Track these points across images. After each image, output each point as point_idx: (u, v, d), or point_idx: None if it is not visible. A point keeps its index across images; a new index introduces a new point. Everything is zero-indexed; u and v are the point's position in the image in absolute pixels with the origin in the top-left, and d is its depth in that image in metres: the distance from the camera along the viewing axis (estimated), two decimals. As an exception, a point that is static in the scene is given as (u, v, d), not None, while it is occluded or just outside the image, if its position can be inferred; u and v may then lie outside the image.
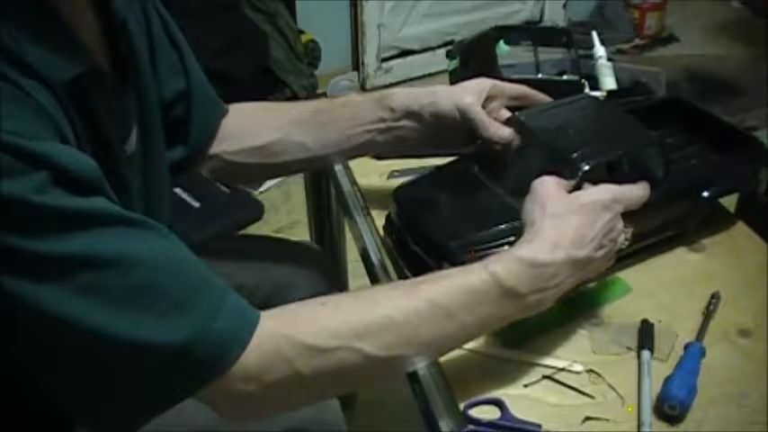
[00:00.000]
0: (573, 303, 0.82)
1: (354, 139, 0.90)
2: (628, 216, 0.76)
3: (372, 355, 0.63)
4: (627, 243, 0.76)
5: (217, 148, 0.92)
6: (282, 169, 0.96)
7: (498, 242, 0.78)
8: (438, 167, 0.92)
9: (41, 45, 0.57)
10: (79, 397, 0.61)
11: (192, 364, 0.59)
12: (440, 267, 0.79)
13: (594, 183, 0.77)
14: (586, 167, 0.78)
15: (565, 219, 0.70)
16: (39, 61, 0.57)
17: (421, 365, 0.77)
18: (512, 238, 0.77)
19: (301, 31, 2.62)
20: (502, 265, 0.67)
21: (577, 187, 0.77)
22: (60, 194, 0.54)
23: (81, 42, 0.63)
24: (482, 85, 0.89)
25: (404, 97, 0.88)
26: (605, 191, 0.74)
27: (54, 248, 0.54)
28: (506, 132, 0.86)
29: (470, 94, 0.87)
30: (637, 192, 0.76)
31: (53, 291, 0.54)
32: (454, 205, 0.86)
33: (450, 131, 0.88)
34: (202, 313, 0.59)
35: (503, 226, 0.79)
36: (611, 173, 0.81)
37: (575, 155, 0.79)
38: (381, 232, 0.93)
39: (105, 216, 0.57)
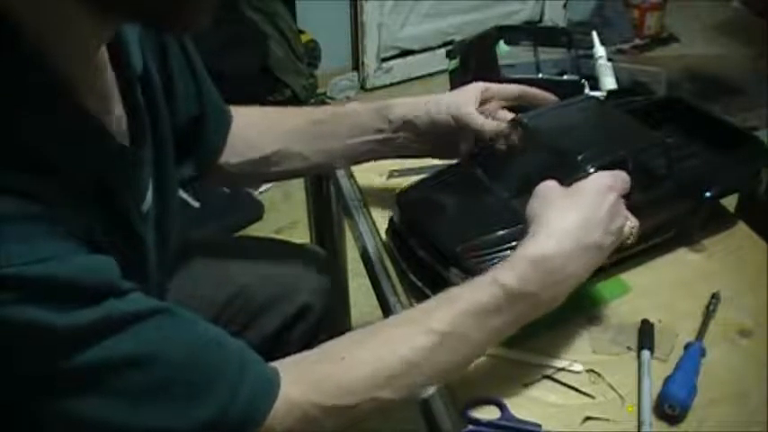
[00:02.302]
0: (573, 303, 0.82)
1: (353, 149, 0.91)
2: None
3: (393, 398, 0.64)
4: (633, 237, 0.74)
5: (223, 158, 0.93)
6: (281, 176, 0.98)
7: (505, 245, 0.77)
8: (441, 171, 0.92)
9: (64, 140, 0.57)
10: None
11: None
12: (446, 272, 0.79)
13: None
14: (591, 170, 0.78)
15: (568, 206, 0.69)
16: (61, 158, 0.56)
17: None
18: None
19: (301, 31, 2.62)
20: (511, 273, 0.66)
21: None
22: (73, 311, 0.54)
23: (104, 125, 0.62)
24: (475, 89, 0.89)
25: (401, 108, 0.89)
26: (603, 174, 0.73)
27: (72, 362, 0.54)
28: (500, 126, 0.86)
29: (463, 100, 0.88)
30: (624, 174, 0.75)
31: (75, 399, 0.55)
32: (459, 209, 0.85)
33: (448, 139, 0.89)
34: (223, 394, 0.59)
35: (509, 229, 0.79)
36: None
37: (579, 157, 0.79)
38: (382, 233, 0.93)
39: (119, 319, 0.56)
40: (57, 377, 0.54)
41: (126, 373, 0.56)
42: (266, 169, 0.93)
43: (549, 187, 0.72)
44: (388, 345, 0.65)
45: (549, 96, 0.93)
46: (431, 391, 0.69)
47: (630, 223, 0.73)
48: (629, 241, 0.74)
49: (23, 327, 0.52)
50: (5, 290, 0.51)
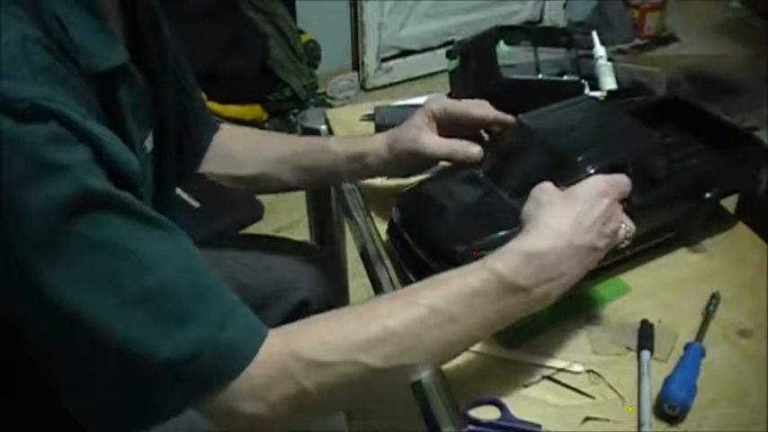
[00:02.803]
0: (573, 303, 0.82)
1: (329, 180, 1.02)
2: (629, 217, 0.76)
3: (374, 366, 0.62)
4: (628, 241, 0.74)
5: (204, 167, 0.96)
6: (258, 192, 1.07)
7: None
8: (441, 171, 0.92)
9: (84, 34, 0.58)
10: (76, 396, 0.61)
11: (193, 378, 0.58)
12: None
13: None
14: (592, 170, 0.78)
15: (562, 208, 0.70)
16: (80, 50, 0.57)
17: (426, 373, 0.77)
18: None
19: (301, 31, 2.62)
20: (502, 262, 0.66)
21: None
22: (100, 176, 0.55)
23: (116, 35, 0.64)
24: (421, 116, 0.89)
25: (377, 159, 0.91)
26: (599, 179, 0.73)
27: (81, 228, 0.54)
28: (476, 151, 0.88)
29: (410, 135, 0.88)
30: (624, 179, 0.75)
31: (69, 274, 0.54)
32: (460, 210, 0.85)
33: (417, 164, 0.92)
34: (209, 325, 0.59)
35: (509, 230, 0.78)
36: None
37: (580, 158, 0.79)
38: (382, 233, 0.93)
39: (136, 210, 0.57)
40: (54, 233, 0.53)
41: (123, 266, 0.56)
42: (247, 186, 0.99)
43: (544, 190, 0.72)
44: (374, 313, 0.65)
45: (508, 118, 0.91)
46: (421, 375, 0.69)
47: (626, 227, 0.73)
48: (623, 245, 0.74)
49: (47, 167, 0.52)
50: (45, 122, 0.51)
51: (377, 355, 0.62)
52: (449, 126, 0.90)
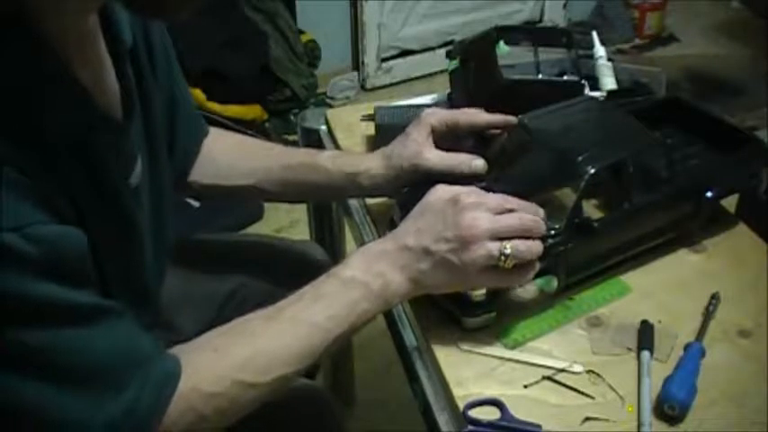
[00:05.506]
0: (573, 304, 0.82)
1: (321, 196, 1.02)
2: (623, 220, 0.76)
3: (254, 382, 0.68)
4: (508, 262, 0.70)
5: (193, 175, 0.96)
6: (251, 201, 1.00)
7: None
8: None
9: (48, 104, 0.58)
10: None
11: None
12: None
13: (599, 185, 0.77)
14: (592, 171, 0.78)
15: (415, 214, 0.75)
16: (44, 123, 0.57)
17: (421, 368, 0.77)
18: None
19: (301, 31, 2.62)
20: (341, 264, 0.74)
21: (583, 190, 0.77)
22: (42, 279, 0.55)
23: (90, 93, 0.63)
24: (421, 131, 0.88)
25: (371, 178, 0.90)
26: (445, 189, 0.75)
27: (22, 332, 0.55)
28: (480, 164, 0.86)
29: (411, 151, 0.87)
30: (495, 198, 0.74)
31: (9, 368, 0.56)
32: None
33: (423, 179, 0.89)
34: (134, 389, 0.61)
35: None
36: (615, 175, 0.81)
37: (580, 158, 0.79)
38: (382, 233, 0.93)
39: (72, 304, 0.58)
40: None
41: (59, 358, 0.58)
42: (233, 195, 0.99)
43: (427, 197, 0.75)
44: (248, 334, 0.70)
45: (511, 119, 0.89)
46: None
47: (506, 248, 0.71)
48: (503, 263, 0.71)
49: None
50: None
51: (253, 371, 0.68)
52: (448, 138, 0.89)
